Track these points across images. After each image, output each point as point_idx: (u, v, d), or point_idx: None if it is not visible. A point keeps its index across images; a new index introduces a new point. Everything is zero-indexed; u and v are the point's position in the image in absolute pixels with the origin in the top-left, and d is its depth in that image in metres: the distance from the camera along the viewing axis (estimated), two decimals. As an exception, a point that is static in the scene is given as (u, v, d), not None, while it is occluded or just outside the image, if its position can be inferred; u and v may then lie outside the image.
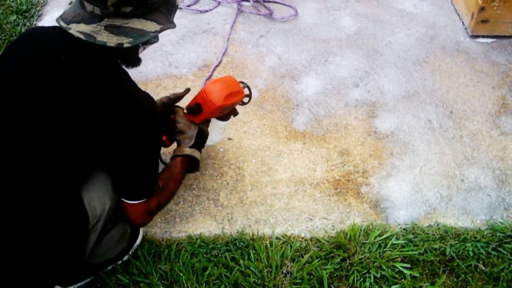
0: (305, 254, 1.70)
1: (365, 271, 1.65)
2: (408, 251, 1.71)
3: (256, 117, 2.20)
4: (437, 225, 1.82)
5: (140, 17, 1.27)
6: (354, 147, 2.09)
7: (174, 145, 1.67)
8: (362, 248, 1.70)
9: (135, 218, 1.44)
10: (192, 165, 1.62)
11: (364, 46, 2.59)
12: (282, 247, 1.72)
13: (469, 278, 1.65)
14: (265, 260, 1.66)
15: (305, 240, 1.76)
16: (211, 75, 2.38)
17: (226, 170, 1.99)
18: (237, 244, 1.73)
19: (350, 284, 1.62)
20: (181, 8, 2.80)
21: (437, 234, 1.77)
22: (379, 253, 1.70)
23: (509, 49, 2.58)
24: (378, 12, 2.82)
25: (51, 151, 1.23)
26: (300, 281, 1.62)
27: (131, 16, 1.26)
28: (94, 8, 1.22)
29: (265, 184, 1.94)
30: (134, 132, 1.30)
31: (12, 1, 2.78)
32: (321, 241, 1.75)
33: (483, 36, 2.64)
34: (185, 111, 1.65)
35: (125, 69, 1.40)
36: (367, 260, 1.67)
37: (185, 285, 1.59)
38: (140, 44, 1.35)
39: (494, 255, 1.72)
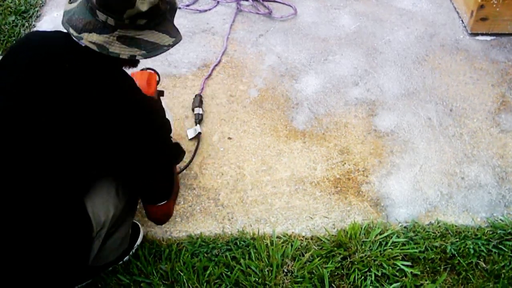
0: (306, 253, 1.70)
1: (366, 270, 1.65)
2: (408, 249, 1.71)
3: (256, 116, 2.20)
4: (438, 223, 1.82)
5: (153, 29, 1.26)
6: (354, 145, 2.09)
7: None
8: (363, 247, 1.70)
9: (163, 217, 1.50)
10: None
11: (363, 44, 2.59)
12: (282, 246, 1.71)
13: (470, 276, 1.65)
14: (266, 259, 1.66)
15: (305, 239, 1.76)
16: (210, 75, 2.38)
17: (226, 169, 1.99)
18: (238, 244, 1.73)
19: (351, 283, 1.62)
20: (180, 8, 2.79)
21: (438, 232, 1.77)
22: (380, 251, 1.70)
23: (509, 47, 2.58)
24: (377, 10, 2.82)
25: (55, 158, 1.22)
26: (301, 280, 1.62)
27: (144, 28, 1.25)
28: (108, 19, 1.20)
29: (266, 183, 1.94)
30: (147, 136, 1.29)
31: (11, 2, 2.78)
32: (321, 240, 1.75)
33: (482, 34, 2.64)
34: None
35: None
36: (368, 259, 1.67)
37: (186, 284, 1.59)
38: None
39: (495, 252, 1.71)
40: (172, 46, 1.31)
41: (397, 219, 1.84)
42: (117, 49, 1.21)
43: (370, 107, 2.25)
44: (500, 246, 1.73)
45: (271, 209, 1.86)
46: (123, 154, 1.28)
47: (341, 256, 1.68)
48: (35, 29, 2.62)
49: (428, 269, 1.67)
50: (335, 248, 1.71)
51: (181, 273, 1.62)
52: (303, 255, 1.69)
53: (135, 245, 1.69)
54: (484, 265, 1.68)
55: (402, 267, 1.66)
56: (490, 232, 1.77)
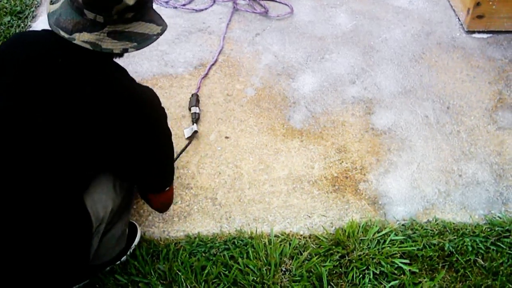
0: (304, 251, 1.69)
1: (364, 268, 1.65)
2: (407, 247, 1.71)
3: (253, 115, 2.19)
4: (436, 221, 1.82)
5: (140, 20, 1.27)
6: (351, 144, 2.09)
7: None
8: (361, 245, 1.70)
9: (165, 205, 1.51)
10: None
11: (360, 43, 2.59)
12: (280, 244, 1.71)
13: (468, 273, 1.65)
14: (264, 258, 1.66)
15: (303, 237, 1.76)
16: (207, 74, 2.38)
17: (223, 168, 1.98)
18: (236, 243, 1.72)
19: (350, 281, 1.62)
20: (176, 8, 2.79)
21: (436, 230, 1.77)
22: (378, 249, 1.69)
23: (505, 44, 2.58)
24: (373, 9, 2.82)
25: (54, 156, 1.22)
26: (299, 278, 1.62)
27: (132, 20, 1.25)
28: (97, 16, 1.20)
29: (263, 182, 1.94)
30: (146, 127, 1.30)
31: (6, 2, 2.77)
32: (319, 238, 1.74)
33: (479, 32, 2.64)
34: None
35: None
36: (366, 257, 1.67)
37: (184, 284, 1.59)
38: None
39: (493, 249, 1.71)
40: (160, 34, 1.32)
41: (395, 217, 1.84)
42: (109, 45, 1.22)
43: (367, 105, 2.25)
44: (498, 243, 1.73)
45: (269, 208, 1.86)
46: (123, 144, 1.28)
47: (339, 254, 1.68)
48: (31, 29, 2.61)
49: (426, 266, 1.67)
50: (333, 247, 1.70)
51: (179, 273, 1.61)
52: (301, 254, 1.69)
53: (133, 245, 1.69)
54: (482, 262, 1.68)
55: (400, 265, 1.66)
56: (488, 229, 1.77)
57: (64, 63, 1.24)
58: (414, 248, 1.70)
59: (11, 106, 1.24)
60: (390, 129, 2.15)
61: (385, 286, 1.60)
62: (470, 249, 1.71)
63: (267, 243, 1.71)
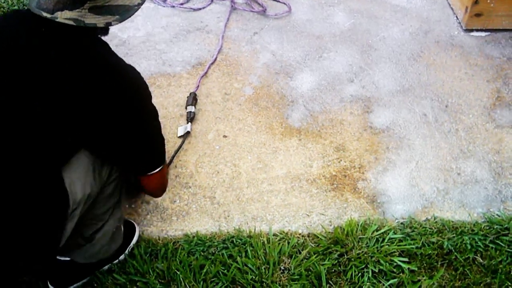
0: (302, 250, 1.69)
1: (363, 266, 1.64)
2: (405, 245, 1.70)
3: (251, 114, 2.19)
4: (434, 219, 1.82)
5: None
6: (350, 142, 2.08)
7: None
8: (360, 243, 1.70)
9: (158, 188, 1.47)
10: None
11: (358, 41, 2.59)
12: (279, 243, 1.71)
13: (467, 271, 1.65)
14: (263, 257, 1.66)
15: (302, 236, 1.75)
16: (206, 73, 2.37)
17: (222, 167, 1.98)
18: (234, 242, 1.72)
19: (348, 279, 1.62)
20: (174, 7, 2.79)
21: (435, 228, 1.77)
22: (377, 247, 1.69)
23: (503, 42, 2.58)
24: (371, 7, 2.82)
25: (35, 127, 1.19)
26: (298, 277, 1.61)
27: None
28: None
29: (262, 181, 1.94)
30: (128, 103, 1.27)
31: (3, 2, 2.76)
32: (318, 237, 1.74)
33: (477, 30, 2.64)
34: None
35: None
36: (365, 255, 1.66)
37: (182, 283, 1.58)
38: None
39: (492, 247, 1.71)
40: (141, 4, 1.30)
41: (394, 216, 1.84)
42: (92, 20, 1.21)
43: (366, 104, 2.25)
44: (497, 241, 1.73)
45: (267, 206, 1.85)
46: (105, 120, 1.25)
47: (338, 253, 1.68)
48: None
49: (425, 265, 1.67)
50: (332, 245, 1.70)
51: (177, 272, 1.61)
52: (300, 253, 1.68)
53: (131, 244, 1.68)
54: (481, 260, 1.68)
55: (399, 263, 1.65)
56: (487, 227, 1.77)
57: (47, 40, 1.23)
58: (413, 246, 1.70)
59: None
60: (388, 127, 2.15)
61: (384, 285, 1.60)
62: (469, 247, 1.70)
63: (265, 242, 1.71)
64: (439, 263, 1.68)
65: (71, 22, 1.20)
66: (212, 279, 1.61)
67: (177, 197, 1.88)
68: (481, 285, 1.62)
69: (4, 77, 1.21)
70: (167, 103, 2.22)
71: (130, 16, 1.29)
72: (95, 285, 1.60)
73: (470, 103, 2.26)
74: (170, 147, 2.01)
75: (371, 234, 1.73)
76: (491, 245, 1.72)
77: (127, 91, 1.28)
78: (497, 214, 1.84)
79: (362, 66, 2.44)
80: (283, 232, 1.76)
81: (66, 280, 1.58)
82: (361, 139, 2.10)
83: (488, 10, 2.56)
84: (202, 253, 1.68)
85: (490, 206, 1.87)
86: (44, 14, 1.21)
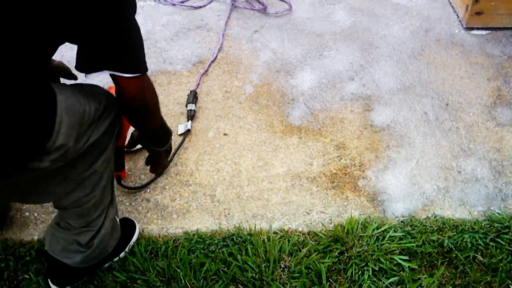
0: (303, 248, 1.69)
1: (363, 264, 1.64)
2: (406, 243, 1.70)
3: (252, 112, 2.19)
4: (435, 217, 1.82)
5: None
6: (350, 140, 2.08)
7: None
8: (360, 241, 1.70)
9: (138, 96, 1.33)
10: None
11: (359, 39, 2.59)
12: (279, 241, 1.71)
13: (468, 269, 1.65)
14: (263, 255, 1.66)
15: (302, 234, 1.75)
16: (206, 71, 2.37)
17: (222, 165, 1.98)
18: (235, 239, 1.72)
19: (349, 278, 1.62)
20: (174, 5, 2.78)
21: (435, 226, 1.77)
22: (377, 246, 1.69)
23: (504, 41, 2.58)
24: (372, 5, 2.82)
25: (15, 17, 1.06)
26: (298, 275, 1.61)
27: None
28: None
29: (262, 179, 1.93)
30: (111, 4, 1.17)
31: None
32: (318, 235, 1.74)
33: (477, 28, 2.64)
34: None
35: None
36: (365, 253, 1.66)
37: (183, 281, 1.58)
38: None
39: (492, 246, 1.71)
40: None
41: (394, 214, 1.84)
42: None
43: (366, 102, 2.25)
44: (497, 239, 1.73)
45: (267, 204, 1.85)
46: (90, 10, 1.14)
47: (338, 251, 1.68)
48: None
49: (425, 263, 1.67)
50: (332, 243, 1.70)
51: (177, 270, 1.61)
52: (300, 251, 1.68)
53: (131, 242, 1.68)
54: (481, 259, 1.68)
55: (400, 261, 1.65)
56: (487, 226, 1.77)
57: None
58: (413, 244, 1.70)
59: None
60: (389, 125, 2.15)
61: (384, 283, 1.60)
62: (469, 245, 1.70)
63: (266, 240, 1.71)
64: (440, 261, 1.68)
65: None
66: (212, 277, 1.61)
67: (177, 195, 1.88)
68: (482, 283, 1.62)
69: None
70: (168, 101, 2.22)
71: None
72: (96, 283, 1.60)
73: (471, 102, 2.25)
74: (170, 145, 2.01)
75: (372, 232, 1.73)
76: (491, 243, 1.72)
77: None
78: (497, 213, 1.83)
79: (362, 64, 2.44)
80: (283, 230, 1.76)
81: (66, 279, 1.58)
82: (362, 137, 2.10)
83: (488, 8, 2.56)
84: (203, 251, 1.68)
85: (491, 204, 1.87)
86: None
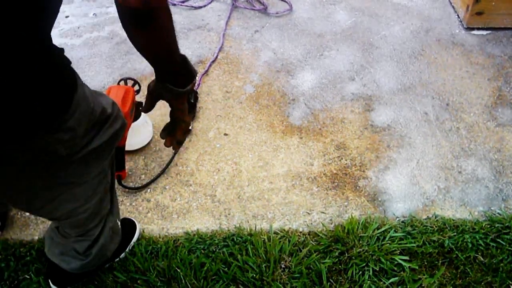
0: (303, 248, 1.69)
1: (364, 264, 1.64)
2: (406, 243, 1.70)
3: (252, 112, 2.19)
4: (435, 217, 1.82)
5: None
6: (351, 140, 2.08)
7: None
8: (361, 242, 1.70)
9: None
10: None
11: (359, 40, 2.58)
12: (280, 241, 1.71)
13: (468, 270, 1.65)
14: (263, 255, 1.65)
15: (303, 234, 1.75)
16: (207, 71, 2.37)
17: (222, 165, 1.98)
18: (235, 240, 1.72)
19: (349, 278, 1.61)
20: (175, 5, 2.78)
21: (436, 226, 1.77)
22: (378, 246, 1.69)
23: (504, 41, 2.58)
24: (373, 5, 2.82)
25: None
26: (298, 275, 1.61)
27: None
28: None
29: (262, 179, 1.93)
30: None
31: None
32: (319, 235, 1.74)
33: (478, 28, 2.64)
34: None
35: None
36: (366, 253, 1.66)
37: (183, 281, 1.58)
38: None
39: (493, 246, 1.71)
40: None
41: (395, 214, 1.84)
42: None
43: (367, 102, 2.25)
44: (498, 240, 1.73)
45: (268, 205, 1.85)
46: None
47: (339, 251, 1.68)
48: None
49: (426, 263, 1.67)
50: (333, 243, 1.70)
51: (178, 270, 1.61)
52: (301, 251, 1.68)
53: (132, 242, 1.68)
54: (482, 259, 1.68)
55: (400, 261, 1.65)
56: (488, 226, 1.77)
57: None
58: (414, 244, 1.70)
59: None
60: (389, 126, 2.14)
61: (384, 283, 1.60)
62: (470, 245, 1.70)
63: (266, 240, 1.70)
64: (440, 261, 1.67)
65: None
66: (213, 277, 1.61)
67: (177, 195, 1.87)
68: (482, 283, 1.61)
69: None
70: (168, 101, 2.22)
71: None
72: (96, 283, 1.60)
73: (471, 102, 2.25)
74: (170, 145, 2.01)
75: (372, 232, 1.73)
76: (492, 243, 1.72)
77: None
78: (498, 213, 1.83)
79: (363, 64, 2.44)
80: (284, 230, 1.76)
81: (66, 281, 1.58)
82: (362, 137, 2.10)
83: (489, 8, 2.56)
84: (203, 251, 1.68)
85: (491, 205, 1.87)
86: None
